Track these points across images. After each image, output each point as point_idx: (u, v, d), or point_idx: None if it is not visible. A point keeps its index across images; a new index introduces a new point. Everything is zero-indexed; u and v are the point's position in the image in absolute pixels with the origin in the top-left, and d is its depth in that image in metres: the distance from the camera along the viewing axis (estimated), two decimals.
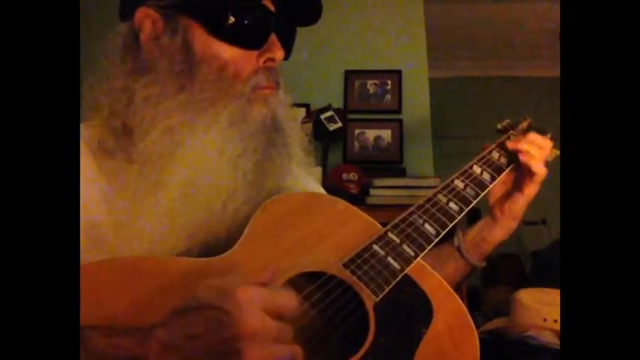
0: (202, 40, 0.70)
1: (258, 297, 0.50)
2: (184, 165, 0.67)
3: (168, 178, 0.66)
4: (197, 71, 0.69)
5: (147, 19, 0.71)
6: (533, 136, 0.88)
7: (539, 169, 0.85)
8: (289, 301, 0.53)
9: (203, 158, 0.67)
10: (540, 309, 0.94)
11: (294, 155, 0.76)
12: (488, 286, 2.73)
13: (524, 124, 0.98)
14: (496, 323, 1.08)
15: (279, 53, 0.72)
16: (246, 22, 0.70)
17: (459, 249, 0.89)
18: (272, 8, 0.73)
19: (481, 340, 0.64)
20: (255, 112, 0.70)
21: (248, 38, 0.71)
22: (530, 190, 0.86)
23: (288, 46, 0.75)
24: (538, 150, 0.85)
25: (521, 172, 0.87)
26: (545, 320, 0.92)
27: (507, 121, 1.00)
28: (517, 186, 0.88)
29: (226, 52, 0.70)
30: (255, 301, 0.50)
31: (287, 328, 0.51)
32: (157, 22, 0.71)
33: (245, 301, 0.49)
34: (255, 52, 0.72)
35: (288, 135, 0.74)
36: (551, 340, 0.89)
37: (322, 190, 0.92)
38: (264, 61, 0.72)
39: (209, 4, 0.70)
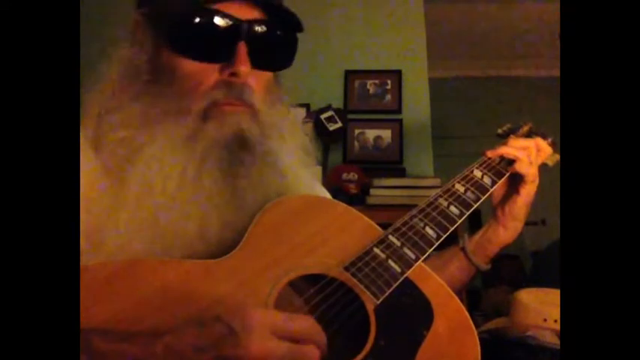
0: (167, 53, 0.68)
1: (270, 321, 0.50)
2: (136, 181, 0.64)
3: (125, 194, 0.64)
4: (157, 83, 0.68)
5: (137, 24, 0.70)
6: (513, 140, 0.89)
7: (525, 170, 0.86)
8: (306, 327, 0.52)
9: (156, 173, 0.65)
10: (540, 309, 0.93)
11: (284, 168, 0.73)
12: (488, 286, 2.73)
13: (525, 129, 0.98)
14: (496, 323, 1.07)
15: (242, 67, 0.66)
16: (205, 34, 0.66)
17: (463, 250, 0.90)
18: (247, 16, 0.67)
19: (481, 339, 0.63)
20: (210, 131, 0.66)
21: (206, 51, 0.67)
22: (525, 190, 0.87)
23: (267, 57, 0.70)
24: (521, 152, 0.87)
25: (515, 173, 0.88)
26: (545, 320, 0.91)
27: (508, 125, 1.00)
28: (513, 187, 0.89)
29: (187, 65, 0.67)
30: (266, 325, 0.49)
31: (304, 353, 0.50)
32: (139, 30, 0.70)
33: (255, 324, 0.48)
34: (218, 65, 0.67)
35: (266, 151, 0.70)
36: (551, 340, 0.89)
37: (325, 192, 0.91)
38: (228, 75, 0.67)
39: (169, 16, 0.67)
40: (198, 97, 0.67)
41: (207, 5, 0.66)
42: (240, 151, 0.68)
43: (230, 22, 0.66)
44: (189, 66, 0.67)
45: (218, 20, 0.66)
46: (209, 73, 0.67)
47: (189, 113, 0.67)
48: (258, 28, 0.68)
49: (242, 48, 0.67)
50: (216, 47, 0.67)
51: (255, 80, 0.69)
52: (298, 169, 0.77)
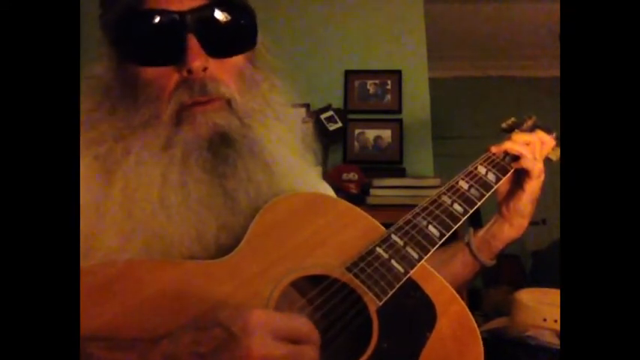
0: (128, 64, 0.66)
1: (269, 323, 0.49)
2: (118, 192, 0.63)
3: (110, 203, 0.63)
4: (126, 97, 0.66)
5: (102, 40, 0.69)
6: (517, 135, 0.89)
7: (530, 166, 0.85)
8: (304, 327, 0.51)
9: (136, 184, 0.63)
10: (540, 309, 0.93)
11: (272, 158, 0.70)
12: (488, 286, 2.73)
13: (529, 123, 0.98)
14: (496, 323, 1.07)
15: (196, 62, 0.63)
16: (149, 37, 0.64)
17: (468, 245, 0.89)
18: (190, 5, 0.63)
19: (481, 339, 0.63)
20: (184, 135, 0.65)
21: (157, 54, 0.64)
22: (530, 186, 0.86)
23: (223, 43, 0.66)
24: (525, 148, 0.86)
25: (520, 169, 0.87)
26: (545, 320, 0.91)
27: (512, 119, 0.99)
28: (518, 183, 0.88)
29: (146, 72, 0.65)
30: (265, 327, 0.48)
31: (303, 354, 0.50)
32: (104, 45, 0.69)
33: (255, 326, 0.48)
34: (175, 65, 0.64)
35: (249, 143, 0.68)
36: (551, 340, 0.89)
37: (328, 188, 0.90)
38: (186, 73, 0.64)
39: (113, 25, 0.66)
40: (165, 102, 0.65)
41: (145, 6, 0.64)
42: (223, 148, 0.66)
43: (172, 17, 0.63)
44: (149, 73, 0.65)
45: (158, 19, 0.63)
46: (169, 75, 0.65)
47: (161, 121, 0.65)
48: (205, 15, 0.64)
49: (192, 41, 0.63)
50: (165, 47, 0.64)
51: (219, 69, 0.66)
52: (289, 157, 0.74)
